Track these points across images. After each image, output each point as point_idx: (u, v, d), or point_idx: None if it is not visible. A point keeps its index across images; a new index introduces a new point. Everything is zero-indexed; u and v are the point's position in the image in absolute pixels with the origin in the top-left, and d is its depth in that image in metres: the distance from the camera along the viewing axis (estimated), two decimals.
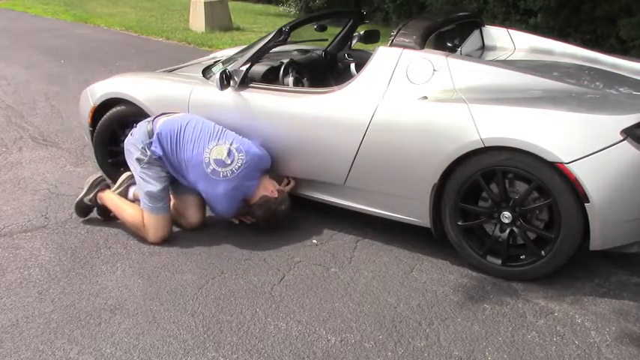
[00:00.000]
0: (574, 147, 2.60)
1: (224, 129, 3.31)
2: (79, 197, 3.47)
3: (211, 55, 4.87)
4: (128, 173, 3.55)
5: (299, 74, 3.88)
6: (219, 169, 3.15)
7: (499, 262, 2.90)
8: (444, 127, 2.85)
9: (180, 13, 12.82)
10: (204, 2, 10.49)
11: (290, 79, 3.77)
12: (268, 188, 3.28)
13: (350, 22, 4.42)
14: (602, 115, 2.67)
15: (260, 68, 3.74)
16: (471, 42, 3.80)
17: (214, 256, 3.14)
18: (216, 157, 3.16)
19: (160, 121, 3.32)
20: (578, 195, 2.60)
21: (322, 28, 4.03)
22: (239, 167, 3.16)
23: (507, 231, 2.87)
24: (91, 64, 7.93)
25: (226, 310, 2.68)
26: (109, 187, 3.53)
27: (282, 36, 3.48)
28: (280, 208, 3.29)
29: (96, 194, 3.45)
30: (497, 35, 3.89)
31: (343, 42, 4.46)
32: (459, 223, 2.94)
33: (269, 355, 2.38)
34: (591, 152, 2.57)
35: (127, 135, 3.50)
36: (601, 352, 2.38)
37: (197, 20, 10.68)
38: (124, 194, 3.51)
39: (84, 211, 3.48)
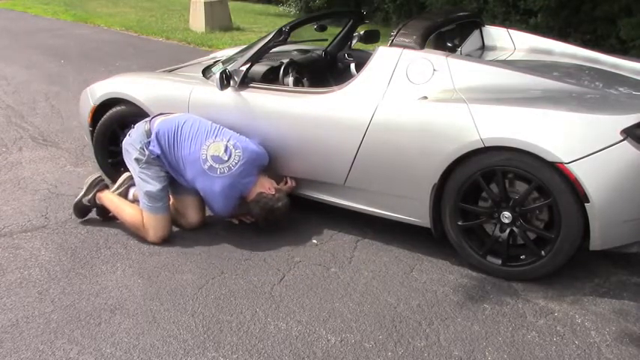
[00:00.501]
0: (574, 147, 2.60)
1: (221, 127, 3.32)
2: (78, 198, 3.47)
3: (211, 55, 4.87)
4: (128, 174, 3.55)
5: (299, 74, 3.88)
6: (217, 166, 3.15)
7: (499, 262, 2.90)
8: (444, 127, 2.85)
9: (180, 13, 12.82)
10: (204, 2, 10.49)
11: (290, 79, 3.77)
12: (265, 186, 3.28)
13: (350, 22, 4.42)
14: (602, 115, 2.67)
15: (260, 68, 3.74)
16: (471, 42, 3.80)
17: (214, 256, 3.14)
18: (214, 154, 3.17)
19: (158, 121, 3.32)
20: (578, 195, 2.60)
21: (322, 28, 4.02)
22: (236, 164, 3.16)
23: (507, 231, 2.87)
24: (91, 64, 7.93)
25: (226, 310, 2.68)
26: (107, 187, 3.53)
27: (282, 36, 3.48)
28: (277, 205, 3.26)
29: (94, 195, 3.44)
30: (497, 35, 3.89)
31: (343, 42, 4.46)
32: (459, 223, 2.94)
33: (269, 355, 2.38)
34: (591, 152, 2.57)
35: (126, 135, 3.50)
36: (601, 352, 2.38)
37: (197, 20, 10.68)
38: (124, 195, 3.51)
39: (82, 211, 3.48)
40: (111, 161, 3.93)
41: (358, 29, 4.44)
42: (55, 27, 11.43)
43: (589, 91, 3.00)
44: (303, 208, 3.52)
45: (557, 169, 2.61)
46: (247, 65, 3.50)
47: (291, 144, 3.35)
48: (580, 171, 2.56)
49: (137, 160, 3.26)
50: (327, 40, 4.35)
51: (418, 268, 3.02)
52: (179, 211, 3.41)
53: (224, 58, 4.14)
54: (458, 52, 3.51)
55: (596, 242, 2.67)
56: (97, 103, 3.90)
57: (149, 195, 3.21)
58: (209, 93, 3.55)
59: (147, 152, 3.24)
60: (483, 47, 3.88)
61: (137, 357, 2.38)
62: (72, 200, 3.74)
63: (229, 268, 3.02)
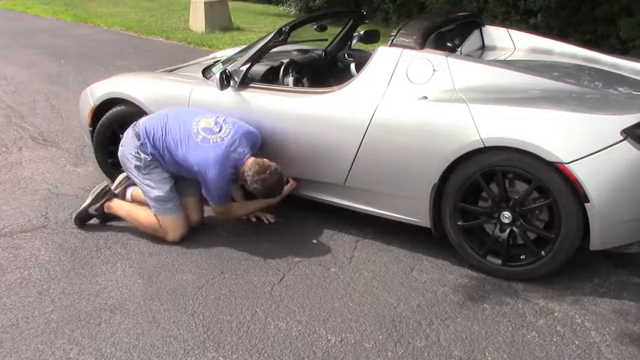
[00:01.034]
0: (574, 147, 2.60)
1: (208, 110, 3.34)
2: (83, 207, 3.42)
3: (211, 55, 4.87)
4: (124, 175, 3.55)
5: (299, 74, 3.88)
6: (209, 137, 3.14)
7: (499, 262, 2.90)
8: (444, 127, 2.85)
9: (180, 13, 12.82)
10: (204, 2, 10.49)
11: (290, 79, 3.77)
12: (259, 157, 3.17)
13: (350, 22, 4.42)
14: (602, 115, 2.67)
15: (260, 68, 3.74)
16: (471, 42, 3.80)
17: (214, 256, 3.14)
18: (205, 126, 3.18)
19: (142, 120, 3.34)
20: (578, 195, 2.60)
21: (322, 28, 4.02)
22: (228, 134, 3.15)
23: (507, 231, 2.87)
24: (91, 64, 7.93)
25: (226, 310, 2.68)
26: (116, 196, 3.50)
27: (282, 36, 3.48)
28: (270, 169, 3.10)
29: (102, 205, 3.43)
30: (497, 35, 3.89)
31: (343, 42, 4.46)
32: (459, 223, 2.94)
33: (269, 355, 2.38)
34: (591, 152, 2.57)
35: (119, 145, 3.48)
36: (601, 352, 2.38)
37: (197, 20, 10.68)
38: (121, 196, 3.51)
39: (84, 220, 3.45)
40: (111, 161, 3.92)
41: (358, 29, 4.44)
42: (55, 27, 11.43)
43: (589, 91, 3.00)
44: (303, 208, 3.52)
45: (557, 169, 2.61)
46: (247, 65, 3.50)
47: (291, 144, 3.35)
48: (580, 171, 2.56)
49: (137, 167, 3.25)
50: (327, 40, 4.35)
51: (418, 268, 3.02)
52: None
53: (224, 58, 4.14)
54: (458, 52, 3.51)
55: (596, 242, 2.67)
56: (97, 103, 3.90)
57: (159, 199, 3.21)
58: (209, 93, 3.55)
59: (143, 156, 3.23)
60: (483, 47, 3.88)
61: (137, 357, 2.38)
62: (72, 200, 3.76)
63: (229, 268, 3.02)
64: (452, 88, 2.95)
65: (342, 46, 4.46)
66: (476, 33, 3.88)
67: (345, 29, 4.44)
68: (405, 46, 3.10)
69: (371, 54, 3.25)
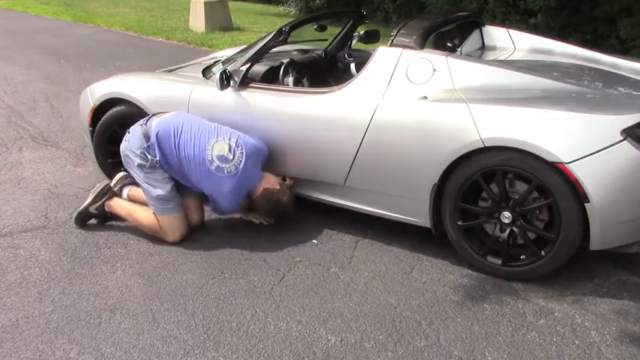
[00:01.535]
0: (574, 147, 2.60)
1: (219, 125, 3.32)
2: (84, 206, 3.42)
3: (211, 55, 4.87)
4: (122, 174, 3.55)
5: (299, 74, 3.88)
6: (223, 166, 3.16)
7: (499, 262, 2.90)
8: (444, 127, 2.85)
9: (180, 13, 12.82)
10: (204, 2, 10.49)
11: (290, 79, 3.77)
12: (270, 182, 3.31)
13: (350, 22, 4.42)
14: (602, 115, 2.67)
15: (260, 68, 3.74)
16: (471, 42, 3.80)
17: (214, 256, 3.14)
18: (219, 154, 3.17)
19: (155, 123, 3.29)
20: (579, 195, 2.60)
21: (322, 28, 4.02)
22: (241, 161, 3.17)
23: (507, 231, 2.87)
24: (91, 64, 7.93)
25: (226, 310, 2.68)
26: (116, 195, 3.50)
27: (282, 36, 3.48)
28: (283, 200, 3.31)
29: (103, 203, 3.43)
30: (497, 35, 3.89)
31: (343, 42, 4.46)
32: (459, 223, 2.94)
33: (269, 355, 2.38)
34: (591, 152, 2.57)
35: (123, 140, 3.48)
36: (601, 352, 2.38)
37: (197, 20, 10.68)
38: (118, 195, 3.51)
39: (85, 220, 3.45)
40: (111, 161, 3.93)
41: (358, 29, 4.44)
42: (55, 27, 11.43)
43: (589, 91, 3.00)
44: (303, 208, 3.52)
45: (557, 169, 2.61)
46: (247, 65, 3.50)
47: (291, 144, 3.35)
48: (580, 171, 2.56)
49: (140, 166, 3.24)
50: (327, 40, 4.35)
51: (418, 268, 3.02)
52: None
53: (224, 58, 4.14)
54: (458, 52, 3.51)
55: (596, 242, 2.67)
56: (97, 103, 3.90)
57: (160, 198, 3.21)
58: (209, 93, 3.55)
59: (150, 157, 3.22)
60: (483, 47, 3.88)
61: (137, 357, 2.38)
62: (72, 200, 3.76)
63: (229, 268, 3.02)
64: (452, 88, 2.95)
65: (342, 46, 4.46)
66: (476, 33, 3.88)
67: (345, 29, 4.44)
68: (405, 46, 3.10)
69: (371, 54, 3.25)
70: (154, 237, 3.28)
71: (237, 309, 2.68)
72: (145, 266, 3.04)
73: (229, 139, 3.22)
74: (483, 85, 2.94)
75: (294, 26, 3.57)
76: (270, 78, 3.74)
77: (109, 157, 3.94)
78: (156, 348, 2.42)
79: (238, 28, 10.92)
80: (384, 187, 3.12)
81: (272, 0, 14.88)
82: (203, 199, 3.42)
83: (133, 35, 10.67)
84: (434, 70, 3.00)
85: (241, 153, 3.18)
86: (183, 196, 3.33)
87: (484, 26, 3.95)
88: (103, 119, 3.87)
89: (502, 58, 3.62)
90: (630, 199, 2.62)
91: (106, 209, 3.44)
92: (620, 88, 3.09)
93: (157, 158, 3.21)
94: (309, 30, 3.98)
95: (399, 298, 2.76)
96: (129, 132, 3.36)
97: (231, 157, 3.17)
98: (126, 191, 3.53)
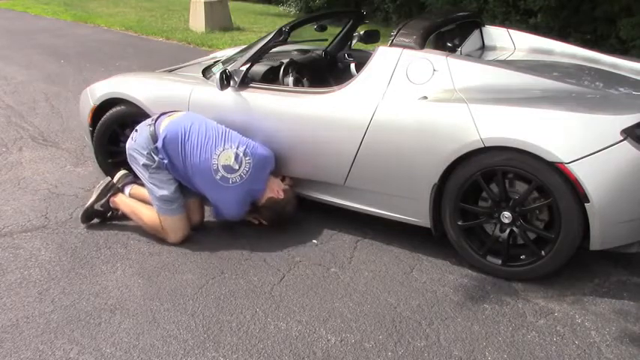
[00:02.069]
0: (574, 147, 2.60)
1: (227, 130, 3.29)
2: (89, 203, 3.43)
3: (211, 55, 4.87)
4: (122, 172, 3.55)
5: (299, 74, 3.88)
6: (229, 176, 3.15)
7: (499, 262, 2.90)
8: (444, 127, 2.85)
9: (180, 13, 12.82)
10: (204, 2, 10.49)
11: (290, 79, 3.77)
12: (274, 189, 3.30)
13: (350, 22, 4.42)
14: (602, 115, 2.67)
15: (260, 68, 3.74)
16: (471, 42, 3.80)
17: (214, 256, 3.14)
18: (225, 164, 3.15)
19: (163, 125, 3.27)
20: (579, 195, 2.60)
21: (322, 28, 4.02)
22: (247, 172, 3.17)
23: (507, 231, 2.87)
24: (91, 64, 7.93)
25: (226, 310, 2.68)
26: (120, 191, 3.51)
27: (282, 36, 3.48)
28: (287, 209, 3.34)
29: (108, 199, 3.43)
30: (497, 35, 3.90)
31: (343, 42, 4.46)
32: (459, 223, 2.94)
33: (269, 355, 2.38)
34: (591, 152, 2.57)
35: (126, 135, 3.49)
36: (601, 352, 2.38)
37: (197, 20, 10.68)
38: (122, 192, 3.51)
39: (90, 217, 3.46)
40: (111, 161, 3.93)
41: (358, 29, 4.44)
42: (55, 27, 11.43)
43: (589, 91, 3.00)
44: (304, 208, 3.52)
45: (557, 169, 2.61)
46: (247, 65, 3.50)
47: (291, 144, 3.35)
48: (580, 171, 2.56)
49: (146, 166, 3.23)
50: (327, 40, 4.35)
51: (418, 268, 3.02)
52: None
53: (224, 58, 4.14)
54: (458, 52, 3.51)
55: (596, 242, 2.67)
56: (97, 103, 3.90)
57: (164, 199, 3.20)
58: (209, 93, 3.55)
59: (156, 158, 3.21)
60: (483, 47, 3.88)
61: (137, 357, 2.38)
62: (72, 200, 3.76)
63: (229, 268, 3.02)
64: (452, 88, 2.95)
65: (342, 46, 4.46)
66: (476, 33, 3.88)
67: (345, 29, 4.44)
68: (405, 46, 3.10)
69: (371, 54, 3.25)
70: (154, 237, 3.28)
71: (237, 309, 2.68)
72: (145, 266, 3.04)
73: (237, 148, 3.19)
74: (483, 85, 2.94)
75: (294, 26, 3.57)
76: (270, 78, 3.74)
77: (109, 157, 3.94)
78: (156, 348, 2.42)
79: (238, 28, 10.92)
80: (384, 187, 3.12)
81: (272, 0, 14.88)
82: (204, 199, 3.42)
83: (133, 35, 10.67)
84: (434, 70, 3.00)
85: (248, 163, 3.17)
86: (184, 197, 3.33)
87: (484, 26, 3.95)
88: (103, 119, 3.87)
89: (502, 58, 3.62)
90: (630, 199, 2.62)
91: (111, 205, 3.44)
92: (620, 88, 3.09)
93: (165, 161, 3.21)
94: (309, 30, 3.98)
95: (399, 298, 2.76)
96: (136, 130, 3.35)
97: (237, 167, 3.16)
98: (128, 189, 3.53)
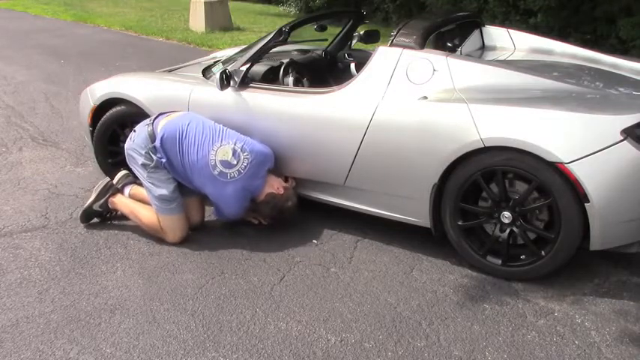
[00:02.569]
0: (574, 147, 2.60)
1: (225, 128, 3.30)
2: (88, 203, 3.43)
3: (211, 55, 4.87)
4: (123, 172, 3.55)
5: (299, 74, 3.88)
6: (226, 171, 3.15)
7: (499, 262, 2.90)
8: (444, 127, 2.85)
9: (180, 13, 12.82)
10: (204, 2, 10.49)
11: (290, 79, 3.77)
12: (274, 186, 3.29)
13: (350, 22, 4.42)
14: (602, 115, 2.67)
15: (260, 68, 3.74)
16: (471, 42, 3.80)
17: (214, 256, 3.14)
18: (222, 159, 3.15)
19: (161, 124, 3.28)
20: (579, 195, 2.60)
21: (322, 28, 4.02)
22: (245, 167, 3.16)
23: (507, 231, 2.87)
24: (91, 64, 7.93)
25: (226, 310, 2.68)
26: (119, 191, 3.51)
27: (282, 36, 3.48)
28: (287, 205, 3.31)
29: (107, 200, 3.43)
30: (497, 35, 3.89)
31: (343, 42, 4.46)
32: (459, 223, 2.94)
33: (269, 355, 2.38)
34: (591, 152, 2.57)
35: (127, 135, 3.48)
36: (601, 352, 2.38)
37: (197, 20, 10.68)
38: (121, 192, 3.51)
39: (89, 217, 3.46)
40: (111, 161, 3.93)
41: (358, 29, 4.44)
42: (55, 27, 11.43)
43: (589, 91, 3.00)
44: (304, 208, 3.52)
45: (557, 169, 2.61)
46: (247, 65, 3.50)
47: (291, 144, 3.35)
48: (580, 171, 2.56)
49: (144, 165, 3.23)
50: (327, 40, 4.35)
51: (418, 268, 3.02)
52: None
53: (224, 58, 4.14)
54: (458, 52, 3.51)
55: (596, 242, 2.67)
56: (97, 103, 3.90)
57: (163, 198, 3.20)
58: (209, 93, 3.55)
59: (155, 158, 3.21)
60: (483, 47, 3.88)
61: (137, 357, 2.38)
62: (72, 200, 3.76)
63: (229, 268, 3.02)
64: (452, 88, 2.95)
65: (342, 46, 4.46)
66: (476, 33, 3.88)
67: (345, 29, 4.44)
68: (405, 46, 3.10)
69: (371, 54, 3.25)
70: (153, 237, 3.28)
71: (237, 309, 2.68)
72: (145, 266, 3.04)
73: (234, 144, 3.20)
74: (483, 85, 2.94)
75: (294, 26, 3.57)
76: (270, 78, 3.74)
77: (109, 157, 3.94)
78: (156, 348, 2.42)
79: (238, 28, 10.92)
80: (384, 187, 3.12)
81: (272, 0, 14.88)
82: (204, 199, 3.42)
83: (132, 35, 10.67)
84: (434, 70, 3.00)
85: (246, 158, 3.17)
86: (184, 197, 3.33)
87: (484, 26, 3.95)
88: (103, 119, 3.87)
89: (502, 58, 3.62)
90: (630, 199, 2.62)
91: (110, 206, 3.44)
92: (620, 88, 3.09)
93: (163, 160, 3.21)
94: (309, 30, 3.98)
95: (399, 298, 2.76)
96: (134, 131, 3.36)
97: (235, 162, 3.16)
98: (127, 190, 3.53)
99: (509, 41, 3.84)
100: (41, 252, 3.17)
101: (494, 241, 2.90)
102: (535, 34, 3.94)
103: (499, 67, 3.05)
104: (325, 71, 4.28)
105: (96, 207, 3.43)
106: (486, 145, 2.73)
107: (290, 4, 13.26)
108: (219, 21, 10.68)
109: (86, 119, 3.99)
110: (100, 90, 3.93)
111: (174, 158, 3.21)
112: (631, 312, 2.65)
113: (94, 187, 3.55)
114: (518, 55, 3.70)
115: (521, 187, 2.81)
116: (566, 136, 2.64)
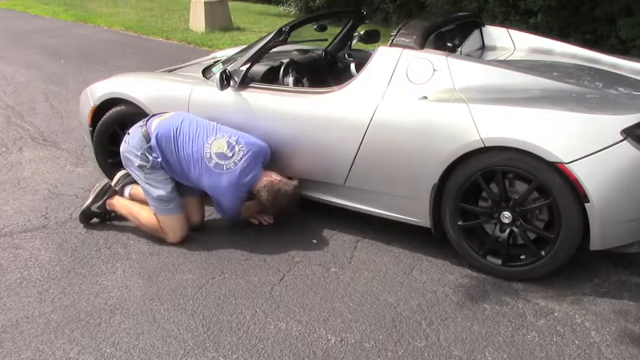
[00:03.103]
0: (574, 147, 2.60)
1: (219, 124, 3.31)
2: (86, 205, 3.43)
3: (211, 55, 4.87)
4: (122, 172, 3.55)
5: (299, 74, 3.88)
6: (222, 162, 3.15)
7: (499, 262, 2.90)
8: (444, 127, 2.85)
9: (180, 13, 12.82)
10: (204, 2, 10.49)
11: (290, 79, 3.77)
12: (271, 175, 3.25)
13: (350, 22, 4.42)
14: (602, 115, 2.67)
15: (260, 68, 3.74)
16: (471, 42, 3.80)
17: (214, 256, 3.14)
18: (218, 151, 3.16)
19: (154, 124, 3.28)
20: (579, 195, 2.60)
21: (322, 28, 4.02)
22: (241, 158, 3.16)
23: (507, 231, 2.87)
24: (91, 64, 7.93)
25: (226, 310, 2.68)
26: (117, 193, 3.50)
27: (282, 36, 3.48)
28: (285, 188, 3.21)
29: (105, 202, 3.43)
30: (497, 35, 3.90)
31: (343, 42, 4.46)
32: (459, 223, 2.94)
33: (269, 355, 2.38)
34: (591, 152, 2.57)
35: (123, 141, 3.47)
36: (601, 352, 2.38)
37: (197, 20, 10.68)
38: (119, 194, 3.51)
39: (88, 218, 3.46)
40: (111, 161, 3.93)
41: (358, 29, 4.44)
42: (55, 27, 11.43)
43: (589, 91, 3.00)
44: (304, 208, 3.52)
45: (557, 169, 2.61)
46: (247, 65, 3.50)
47: (291, 144, 3.35)
48: (580, 171, 2.56)
49: (141, 167, 3.23)
50: (327, 40, 4.35)
51: (418, 268, 3.02)
52: None
53: (224, 58, 4.14)
54: (458, 52, 3.51)
55: (596, 242, 2.67)
56: (97, 103, 3.90)
57: (161, 199, 3.20)
58: (209, 93, 3.55)
59: (150, 158, 3.22)
60: (483, 47, 3.88)
61: (137, 357, 2.38)
62: (72, 200, 3.76)
63: (229, 268, 3.02)
64: (452, 88, 2.95)
65: (342, 46, 4.46)
66: (476, 33, 3.88)
67: (345, 29, 4.44)
68: (405, 46, 3.10)
69: (371, 54, 3.25)
70: (154, 237, 3.28)
71: (237, 309, 2.68)
72: (145, 266, 3.04)
73: (229, 137, 3.21)
74: (483, 85, 2.95)
75: (294, 26, 3.57)
76: (270, 78, 3.74)
77: (109, 157, 3.94)
78: (156, 348, 2.42)
79: (238, 28, 10.92)
80: (384, 187, 3.12)
81: (272, 0, 14.88)
82: (204, 199, 3.42)
83: (132, 35, 10.67)
84: (434, 70, 3.00)
85: (241, 150, 3.17)
86: (183, 197, 3.33)
87: (484, 26, 3.95)
88: (103, 119, 3.87)
89: (502, 58, 3.62)
90: (630, 199, 2.62)
91: (108, 208, 3.44)
92: (620, 88, 3.09)
93: (159, 160, 3.21)
94: (309, 30, 3.98)
95: (399, 298, 2.76)
96: (128, 133, 3.36)
97: (230, 154, 3.16)
98: (127, 190, 3.53)
99: (509, 41, 3.84)
100: (41, 252, 3.17)
101: (494, 241, 2.90)
102: (535, 34, 3.94)
103: (499, 67, 3.05)
104: (325, 71, 4.28)
105: (94, 208, 3.43)
106: (486, 145, 2.73)
107: (290, 4, 13.26)
108: (219, 21, 10.68)
109: (86, 119, 3.99)
110: (100, 90, 3.93)
111: (169, 156, 3.21)
112: (631, 312, 2.65)
113: (91, 188, 3.55)
114: (518, 55, 3.70)
115: (521, 187, 2.81)
116: (566, 136, 2.64)
